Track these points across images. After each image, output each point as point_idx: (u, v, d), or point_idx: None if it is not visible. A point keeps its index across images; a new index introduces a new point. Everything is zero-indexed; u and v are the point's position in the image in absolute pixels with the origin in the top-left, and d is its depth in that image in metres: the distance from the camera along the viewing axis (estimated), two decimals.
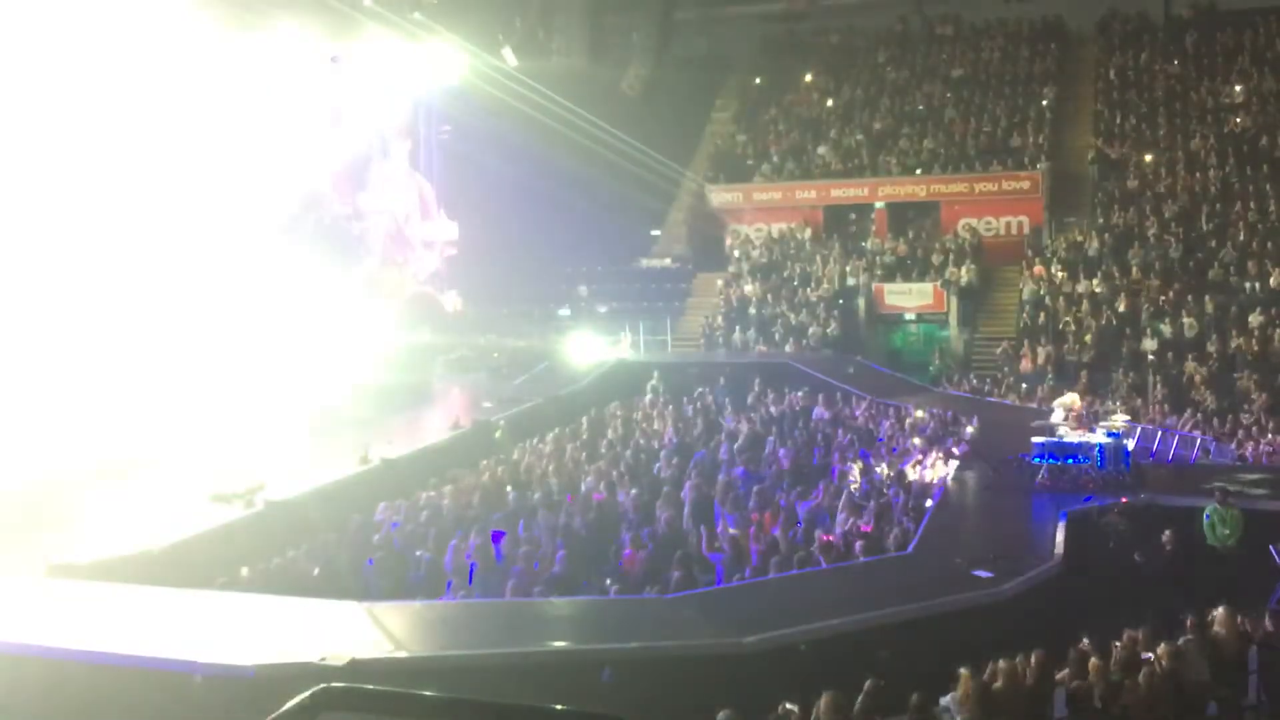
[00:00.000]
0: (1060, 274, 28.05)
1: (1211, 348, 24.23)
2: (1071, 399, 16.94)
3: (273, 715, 3.29)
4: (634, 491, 15.70)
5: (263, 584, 12.40)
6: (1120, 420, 16.53)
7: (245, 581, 12.64)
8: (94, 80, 19.45)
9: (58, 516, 14.72)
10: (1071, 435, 15.87)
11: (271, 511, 14.85)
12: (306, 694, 3.35)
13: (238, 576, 12.77)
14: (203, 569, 12.75)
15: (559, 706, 3.60)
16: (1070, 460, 15.68)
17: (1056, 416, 16.49)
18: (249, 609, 11.07)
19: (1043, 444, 15.79)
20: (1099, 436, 15.67)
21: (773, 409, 21.20)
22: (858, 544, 13.00)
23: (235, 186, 23.03)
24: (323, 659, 9.22)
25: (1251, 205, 28.23)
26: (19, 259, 18.20)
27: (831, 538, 13.31)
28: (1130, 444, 15.97)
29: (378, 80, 27.26)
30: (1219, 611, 9.72)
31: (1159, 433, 18.76)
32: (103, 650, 9.77)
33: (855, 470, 16.29)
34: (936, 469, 16.61)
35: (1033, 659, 8.98)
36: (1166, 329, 25.08)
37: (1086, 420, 16.47)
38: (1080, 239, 29.12)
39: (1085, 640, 9.54)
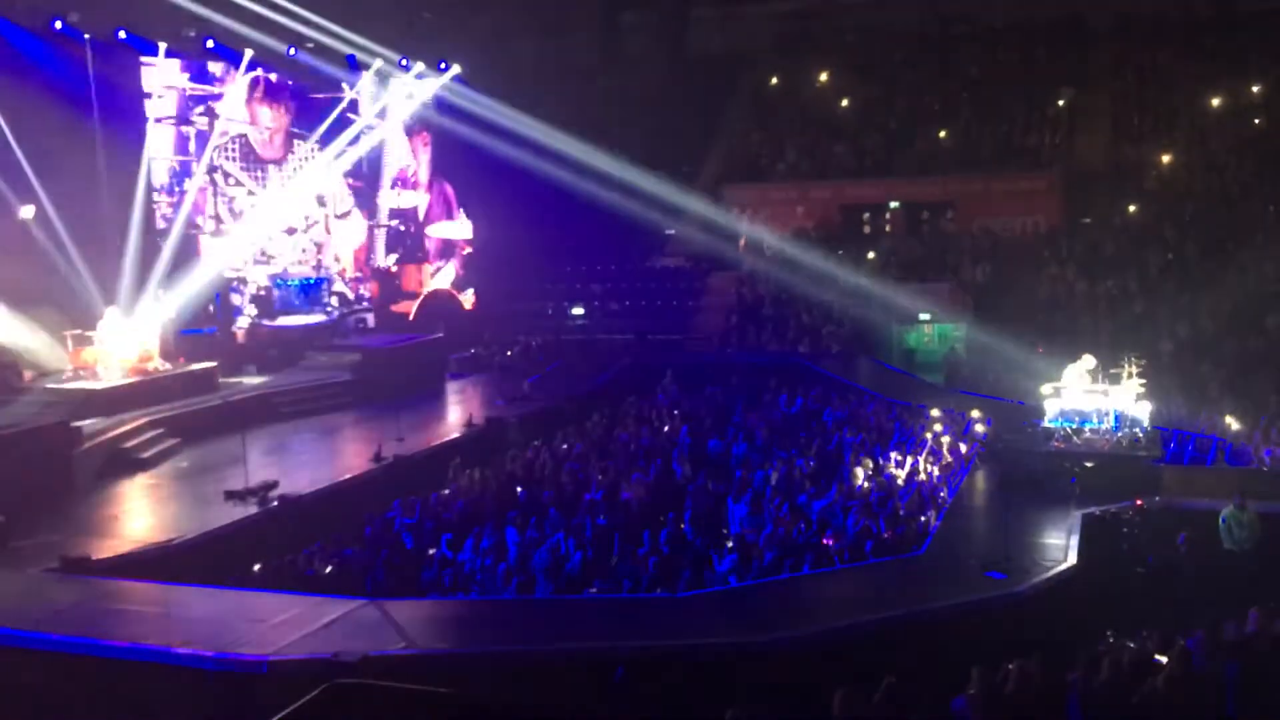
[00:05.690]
0: (1076, 275, 27.85)
1: (1229, 349, 24.02)
2: (1087, 360, 16.66)
3: (285, 711, 3.30)
4: (646, 490, 15.69)
5: (275, 580, 12.45)
6: (1136, 384, 16.28)
7: (258, 578, 12.70)
8: None
9: (72, 512, 14.83)
10: (1086, 399, 15.74)
11: (285, 509, 14.91)
12: (319, 690, 3.36)
13: (251, 573, 12.83)
14: (216, 565, 12.81)
15: (570, 706, 3.60)
16: (1084, 423, 15.59)
17: (1071, 378, 16.34)
18: (262, 605, 11.10)
19: (1057, 407, 15.67)
20: (1113, 400, 15.54)
21: (786, 409, 21.15)
22: (869, 544, 12.96)
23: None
24: (335, 656, 9.25)
25: (1271, 206, 27.99)
26: None
27: (844, 538, 13.28)
28: (1147, 405, 15.86)
29: (396, 81, 27.34)
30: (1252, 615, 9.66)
31: (1175, 434, 18.60)
32: (116, 645, 9.82)
33: (868, 470, 16.22)
34: (950, 469, 16.55)
35: (1046, 661, 8.92)
36: (1184, 330, 24.87)
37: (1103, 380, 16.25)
38: (1097, 240, 28.94)
39: (1099, 643, 9.50)
